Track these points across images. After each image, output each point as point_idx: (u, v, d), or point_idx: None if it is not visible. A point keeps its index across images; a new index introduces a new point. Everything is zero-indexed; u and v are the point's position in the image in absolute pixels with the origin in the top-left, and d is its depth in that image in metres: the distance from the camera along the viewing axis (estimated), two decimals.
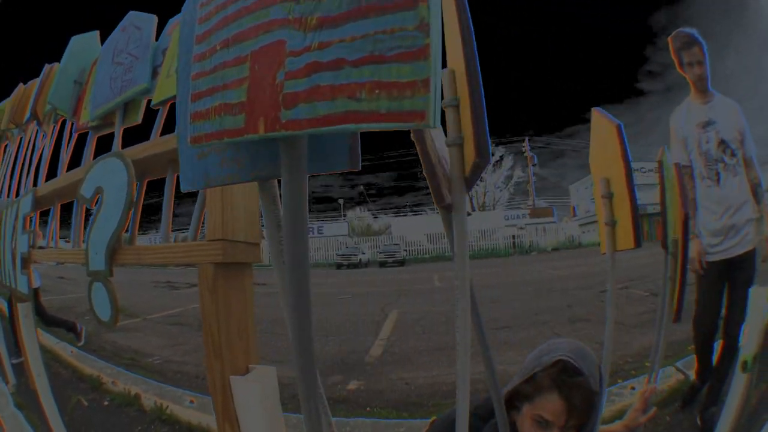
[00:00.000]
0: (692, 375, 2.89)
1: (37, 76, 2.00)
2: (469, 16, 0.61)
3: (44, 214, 1.92)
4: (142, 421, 3.02)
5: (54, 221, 1.80)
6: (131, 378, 3.78)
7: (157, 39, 1.26)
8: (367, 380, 3.79)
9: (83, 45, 1.69)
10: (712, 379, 2.57)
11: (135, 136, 1.34)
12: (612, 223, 1.14)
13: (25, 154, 2.18)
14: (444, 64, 0.66)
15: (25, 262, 1.89)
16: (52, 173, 1.87)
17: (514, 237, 27.82)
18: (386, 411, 3.05)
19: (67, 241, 1.59)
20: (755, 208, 2.48)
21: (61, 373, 3.98)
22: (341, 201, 37.20)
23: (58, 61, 1.75)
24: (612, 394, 3.04)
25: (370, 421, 2.90)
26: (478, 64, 0.60)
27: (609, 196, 1.14)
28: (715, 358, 2.58)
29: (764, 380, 2.28)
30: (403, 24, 0.38)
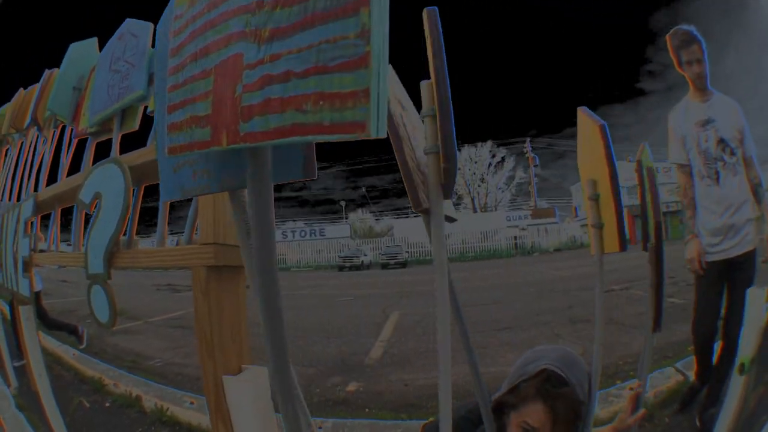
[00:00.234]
0: (692, 376, 2.85)
1: (37, 80, 2.03)
2: (440, 30, 0.63)
3: (45, 217, 1.94)
4: (143, 422, 3.04)
5: (55, 225, 1.83)
6: (132, 380, 3.80)
7: (153, 46, 1.28)
8: (366, 382, 3.81)
9: (82, 52, 1.72)
10: (712, 381, 2.54)
11: (133, 142, 1.37)
12: (599, 225, 1.15)
13: (26, 159, 2.21)
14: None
15: (27, 265, 1.92)
16: (52, 177, 1.90)
17: (516, 238, 27.78)
18: (384, 412, 3.06)
19: (69, 244, 1.62)
20: (755, 207, 2.45)
21: (63, 376, 4.01)
22: (343, 203, 37.25)
23: (58, 65, 1.78)
24: (611, 395, 3.05)
25: (368, 422, 2.91)
26: (447, 76, 0.62)
27: (595, 198, 1.15)
28: (714, 359, 2.54)
29: (762, 383, 2.20)
30: (344, 32, 0.37)
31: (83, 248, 1.32)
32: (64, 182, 1.71)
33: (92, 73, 1.57)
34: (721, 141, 2.46)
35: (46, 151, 1.99)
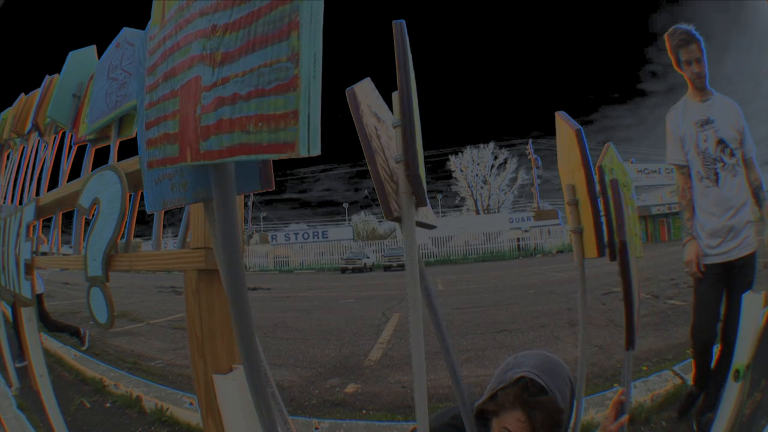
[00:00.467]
0: (689, 380, 2.81)
1: (38, 84, 2.06)
2: (407, 42, 0.66)
3: (47, 220, 1.98)
4: (143, 422, 3.08)
5: (56, 229, 1.86)
6: (133, 381, 3.84)
7: None
8: (364, 383, 3.83)
9: (81, 60, 1.75)
10: (710, 386, 2.49)
11: (131, 148, 1.40)
12: (579, 231, 1.15)
13: (28, 163, 2.25)
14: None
15: (29, 268, 1.96)
16: (53, 181, 1.94)
17: (518, 239, 27.76)
18: (381, 413, 3.08)
19: (71, 247, 1.66)
20: (756, 210, 2.40)
21: (65, 376, 4.06)
22: (346, 205, 37.33)
23: (58, 70, 1.81)
24: (606, 398, 3.05)
25: (364, 423, 2.93)
26: (412, 89, 0.65)
27: (575, 203, 1.15)
28: (713, 364, 2.49)
29: (758, 389, 2.12)
30: (278, 56, 0.39)
31: (83, 252, 1.36)
32: (64, 187, 1.74)
33: (91, 81, 1.61)
34: (721, 141, 2.41)
35: (48, 156, 2.03)
